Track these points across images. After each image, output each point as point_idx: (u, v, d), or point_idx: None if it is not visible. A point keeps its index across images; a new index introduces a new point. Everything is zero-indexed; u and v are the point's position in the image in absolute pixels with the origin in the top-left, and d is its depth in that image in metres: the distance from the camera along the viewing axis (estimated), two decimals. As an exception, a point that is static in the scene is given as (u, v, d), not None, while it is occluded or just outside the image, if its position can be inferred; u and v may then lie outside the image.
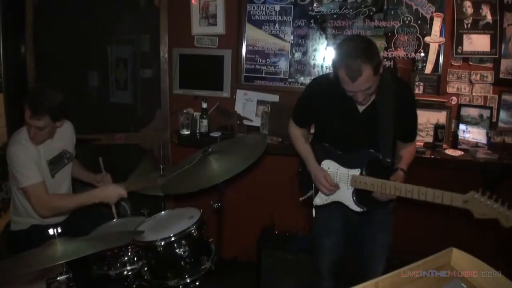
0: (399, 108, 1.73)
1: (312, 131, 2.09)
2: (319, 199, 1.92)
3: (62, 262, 1.41)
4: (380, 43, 2.61)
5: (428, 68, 2.62)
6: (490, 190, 1.46)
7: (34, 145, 2.04)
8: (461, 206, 1.49)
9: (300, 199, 2.02)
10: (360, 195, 1.81)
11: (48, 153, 2.12)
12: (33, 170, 1.97)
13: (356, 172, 1.80)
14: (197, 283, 1.87)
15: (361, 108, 1.78)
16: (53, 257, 1.39)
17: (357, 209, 1.82)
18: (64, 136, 2.24)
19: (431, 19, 2.57)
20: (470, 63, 2.59)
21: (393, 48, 2.63)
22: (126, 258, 1.87)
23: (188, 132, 2.85)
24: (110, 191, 2.07)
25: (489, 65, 2.57)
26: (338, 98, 1.77)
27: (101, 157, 2.36)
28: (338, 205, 1.89)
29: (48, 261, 1.36)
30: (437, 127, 2.54)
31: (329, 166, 1.88)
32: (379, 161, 1.74)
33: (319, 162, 1.90)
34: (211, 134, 2.76)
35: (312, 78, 2.77)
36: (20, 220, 2.11)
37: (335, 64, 1.64)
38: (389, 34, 2.62)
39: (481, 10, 2.50)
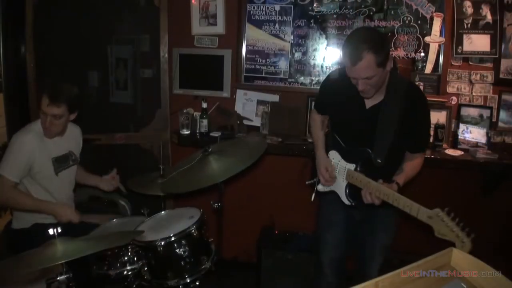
0: (407, 115, 1.70)
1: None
2: (321, 186, 1.99)
3: (62, 262, 1.41)
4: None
5: (428, 68, 2.62)
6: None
7: (43, 140, 2.07)
8: (424, 220, 1.51)
9: (307, 182, 2.08)
10: (353, 189, 1.83)
11: (55, 150, 2.15)
12: (17, 166, 2.00)
13: (352, 167, 1.84)
14: (197, 283, 1.88)
15: (368, 105, 1.79)
16: (53, 257, 1.39)
17: (346, 201, 1.87)
18: (72, 138, 2.29)
19: (431, 19, 2.56)
20: (470, 63, 2.59)
21: (393, 48, 2.63)
22: (126, 258, 1.87)
23: (188, 132, 2.85)
24: (64, 213, 2.04)
25: (489, 65, 2.57)
26: (348, 92, 1.78)
27: (115, 168, 2.42)
28: (339, 198, 1.92)
29: (48, 261, 1.36)
30: (437, 127, 2.53)
31: (334, 157, 1.94)
32: (371, 161, 1.75)
33: (327, 152, 1.97)
34: (211, 134, 2.76)
35: (312, 78, 2.79)
36: (24, 217, 2.11)
37: (342, 48, 1.67)
38: (389, 34, 2.62)
39: (481, 10, 2.50)
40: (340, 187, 1.89)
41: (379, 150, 1.74)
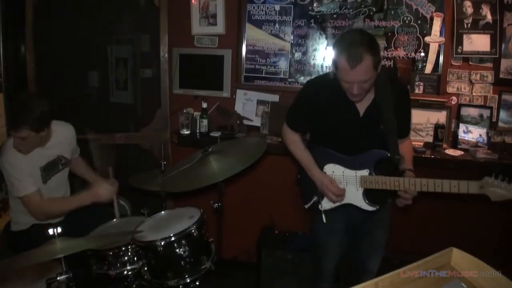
0: (396, 104, 1.73)
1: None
2: (327, 204, 1.85)
3: (61, 256, 1.41)
4: (380, 43, 2.59)
5: (428, 68, 2.62)
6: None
7: (23, 154, 2.02)
8: (478, 192, 1.54)
9: (306, 206, 1.94)
10: (371, 194, 1.78)
11: (40, 160, 2.10)
12: (26, 180, 1.98)
13: (365, 172, 1.76)
14: (197, 283, 1.88)
15: (361, 110, 1.75)
16: (51, 252, 1.38)
17: (370, 208, 1.79)
18: (60, 141, 2.20)
19: (431, 19, 2.56)
20: (470, 63, 2.59)
21: (393, 48, 2.63)
22: (126, 258, 1.88)
23: (188, 132, 2.85)
24: (101, 190, 2.06)
25: (489, 65, 2.57)
26: (337, 100, 1.73)
27: (111, 166, 2.36)
28: (345, 207, 1.85)
29: (46, 255, 1.36)
30: (437, 127, 2.54)
31: (333, 170, 1.82)
32: (387, 160, 1.72)
33: (321, 167, 1.84)
34: (211, 134, 2.76)
35: (312, 77, 2.77)
36: (21, 220, 2.11)
37: (335, 52, 1.60)
38: (389, 34, 2.62)
39: (481, 10, 2.50)
40: (356, 197, 1.80)
41: (393, 147, 1.72)
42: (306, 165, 1.87)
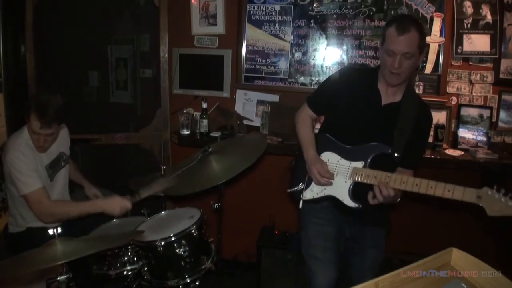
0: (416, 126, 1.69)
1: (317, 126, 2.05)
2: (309, 193, 1.82)
3: (62, 262, 1.41)
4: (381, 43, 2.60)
5: (428, 68, 2.62)
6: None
7: (33, 151, 2.01)
8: (473, 201, 1.42)
9: (288, 190, 1.92)
10: (357, 191, 1.71)
11: (46, 158, 2.11)
12: (33, 176, 1.96)
13: (359, 164, 1.71)
14: (197, 283, 1.88)
15: (384, 101, 1.73)
16: (53, 257, 1.39)
17: (352, 204, 1.70)
18: (60, 139, 2.23)
19: (431, 19, 2.56)
20: (470, 63, 2.59)
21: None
22: (126, 258, 1.88)
23: (188, 132, 2.85)
24: (115, 203, 2.00)
25: (489, 65, 2.57)
26: (363, 90, 1.74)
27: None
28: (327, 202, 1.81)
29: (48, 261, 1.36)
30: (437, 127, 2.53)
31: (329, 158, 1.80)
32: (387, 156, 1.67)
33: (319, 154, 1.83)
34: (211, 134, 2.76)
35: (312, 78, 2.78)
36: (16, 224, 2.10)
37: (386, 25, 1.66)
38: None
39: (481, 10, 2.50)
40: (342, 189, 1.73)
41: (398, 145, 1.67)
42: (304, 144, 1.86)
